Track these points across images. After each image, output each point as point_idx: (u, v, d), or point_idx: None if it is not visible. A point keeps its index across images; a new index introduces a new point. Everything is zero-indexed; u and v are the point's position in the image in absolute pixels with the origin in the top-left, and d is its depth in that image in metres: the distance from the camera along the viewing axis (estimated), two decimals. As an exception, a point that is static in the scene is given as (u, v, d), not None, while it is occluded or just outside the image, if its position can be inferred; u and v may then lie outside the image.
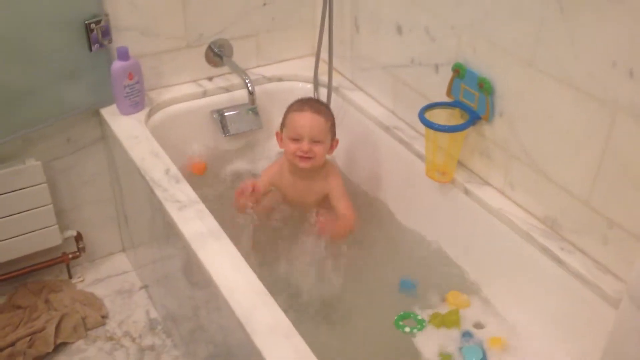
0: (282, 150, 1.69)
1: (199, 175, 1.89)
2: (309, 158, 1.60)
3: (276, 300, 1.20)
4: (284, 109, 1.79)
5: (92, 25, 1.63)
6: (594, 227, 1.29)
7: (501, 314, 1.49)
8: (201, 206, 1.43)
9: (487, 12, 1.40)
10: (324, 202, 1.70)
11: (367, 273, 1.61)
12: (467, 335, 1.45)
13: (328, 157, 1.72)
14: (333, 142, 1.67)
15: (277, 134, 1.69)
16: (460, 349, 1.42)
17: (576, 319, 1.34)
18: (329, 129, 1.63)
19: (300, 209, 1.72)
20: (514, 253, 1.45)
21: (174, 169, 1.55)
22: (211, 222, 1.38)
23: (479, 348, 1.41)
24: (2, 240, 1.73)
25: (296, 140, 1.60)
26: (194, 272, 1.39)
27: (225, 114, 1.94)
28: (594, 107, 1.22)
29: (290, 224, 1.70)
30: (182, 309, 1.62)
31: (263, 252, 1.62)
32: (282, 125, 1.66)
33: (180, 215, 1.40)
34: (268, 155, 1.99)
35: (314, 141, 1.59)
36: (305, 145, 1.58)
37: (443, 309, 1.51)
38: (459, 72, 1.51)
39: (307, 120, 1.59)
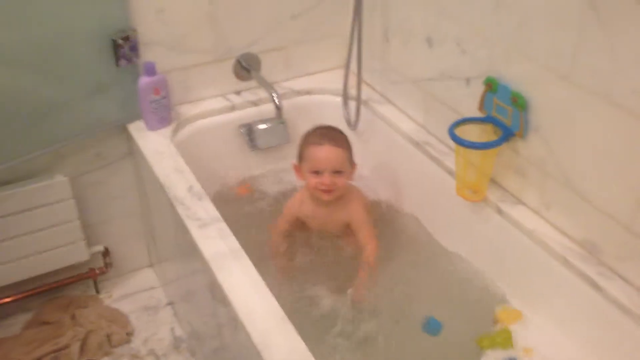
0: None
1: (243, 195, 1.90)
2: (330, 191, 1.58)
3: (295, 325, 1.15)
4: (313, 123, 1.75)
5: (120, 41, 1.62)
6: (636, 253, 1.21)
7: (536, 340, 1.41)
8: (222, 225, 1.40)
9: (520, 23, 1.34)
10: (348, 230, 1.66)
11: (394, 301, 1.55)
12: None
13: (351, 185, 1.68)
14: (352, 168, 1.64)
15: (295, 166, 1.66)
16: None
17: (615, 348, 1.25)
18: (348, 158, 1.60)
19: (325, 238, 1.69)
20: (549, 277, 1.38)
21: (198, 186, 1.52)
22: (232, 242, 1.35)
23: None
24: (30, 256, 1.74)
25: (317, 173, 1.58)
26: (215, 292, 1.36)
27: (253, 128, 1.92)
28: (636, 124, 1.14)
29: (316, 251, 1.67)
30: (206, 328, 1.59)
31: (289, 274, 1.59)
32: (300, 158, 1.63)
33: (200, 234, 1.38)
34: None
35: (335, 172, 1.57)
36: (327, 179, 1.56)
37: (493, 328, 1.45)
38: (491, 86, 1.44)
39: (327, 154, 1.56)
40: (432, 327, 1.47)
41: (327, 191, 1.58)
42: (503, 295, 1.52)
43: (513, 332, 1.44)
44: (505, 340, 1.41)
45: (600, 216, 1.27)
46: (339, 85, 1.92)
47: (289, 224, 1.69)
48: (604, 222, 1.26)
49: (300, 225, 1.70)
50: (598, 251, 1.30)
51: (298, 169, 1.65)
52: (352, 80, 1.86)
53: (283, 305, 1.20)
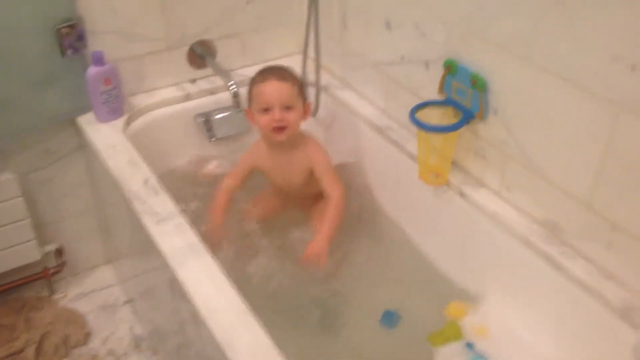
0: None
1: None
2: (283, 128, 1.54)
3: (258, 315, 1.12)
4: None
5: (64, 30, 1.55)
6: (596, 231, 1.21)
7: (500, 322, 1.41)
8: (181, 219, 1.35)
9: (480, 5, 1.32)
10: (313, 182, 1.62)
11: (352, 290, 1.53)
12: (469, 346, 1.37)
13: (308, 131, 1.65)
14: (305, 105, 1.60)
15: (247, 111, 1.62)
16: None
17: (578, 327, 1.26)
18: (297, 92, 1.56)
19: (292, 210, 1.65)
20: (512, 258, 1.37)
21: (153, 179, 1.47)
22: (191, 237, 1.30)
23: (480, 359, 1.34)
24: (-22, 258, 1.66)
25: (266, 110, 1.53)
26: (175, 288, 1.32)
27: (211, 117, 1.86)
28: (595, 104, 1.14)
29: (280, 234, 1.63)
30: (168, 325, 1.55)
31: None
32: (249, 100, 1.59)
33: (158, 230, 1.33)
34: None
35: (285, 107, 1.53)
36: (277, 114, 1.52)
37: (441, 323, 1.43)
38: (451, 68, 1.42)
39: (273, 88, 1.52)
40: (390, 320, 1.45)
41: (279, 129, 1.53)
42: (465, 279, 1.51)
43: (470, 317, 1.43)
44: (456, 333, 1.41)
45: (560, 196, 1.27)
46: (297, 71, 1.87)
47: (242, 177, 1.65)
48: (565, 202, 1.26)
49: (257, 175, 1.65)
50: (560, 231, 1.30)
51: (250, 113, 1.60)
52: (311, 66, 1.82)
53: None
